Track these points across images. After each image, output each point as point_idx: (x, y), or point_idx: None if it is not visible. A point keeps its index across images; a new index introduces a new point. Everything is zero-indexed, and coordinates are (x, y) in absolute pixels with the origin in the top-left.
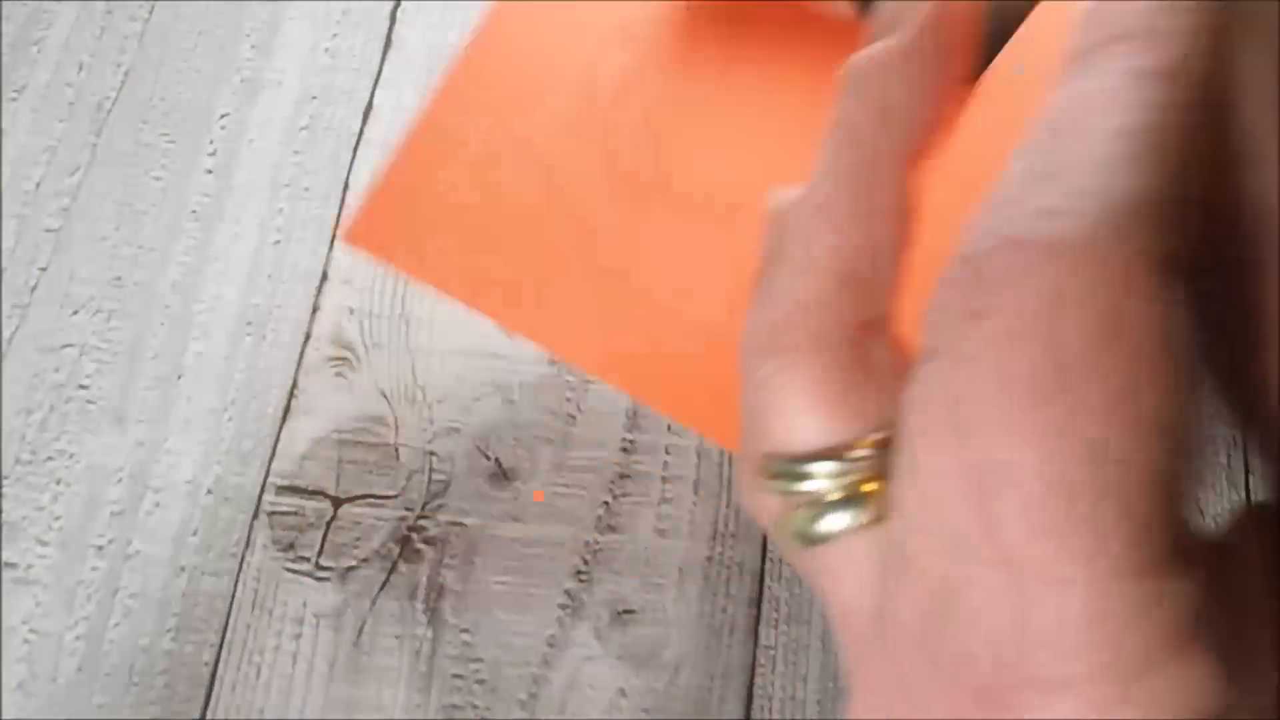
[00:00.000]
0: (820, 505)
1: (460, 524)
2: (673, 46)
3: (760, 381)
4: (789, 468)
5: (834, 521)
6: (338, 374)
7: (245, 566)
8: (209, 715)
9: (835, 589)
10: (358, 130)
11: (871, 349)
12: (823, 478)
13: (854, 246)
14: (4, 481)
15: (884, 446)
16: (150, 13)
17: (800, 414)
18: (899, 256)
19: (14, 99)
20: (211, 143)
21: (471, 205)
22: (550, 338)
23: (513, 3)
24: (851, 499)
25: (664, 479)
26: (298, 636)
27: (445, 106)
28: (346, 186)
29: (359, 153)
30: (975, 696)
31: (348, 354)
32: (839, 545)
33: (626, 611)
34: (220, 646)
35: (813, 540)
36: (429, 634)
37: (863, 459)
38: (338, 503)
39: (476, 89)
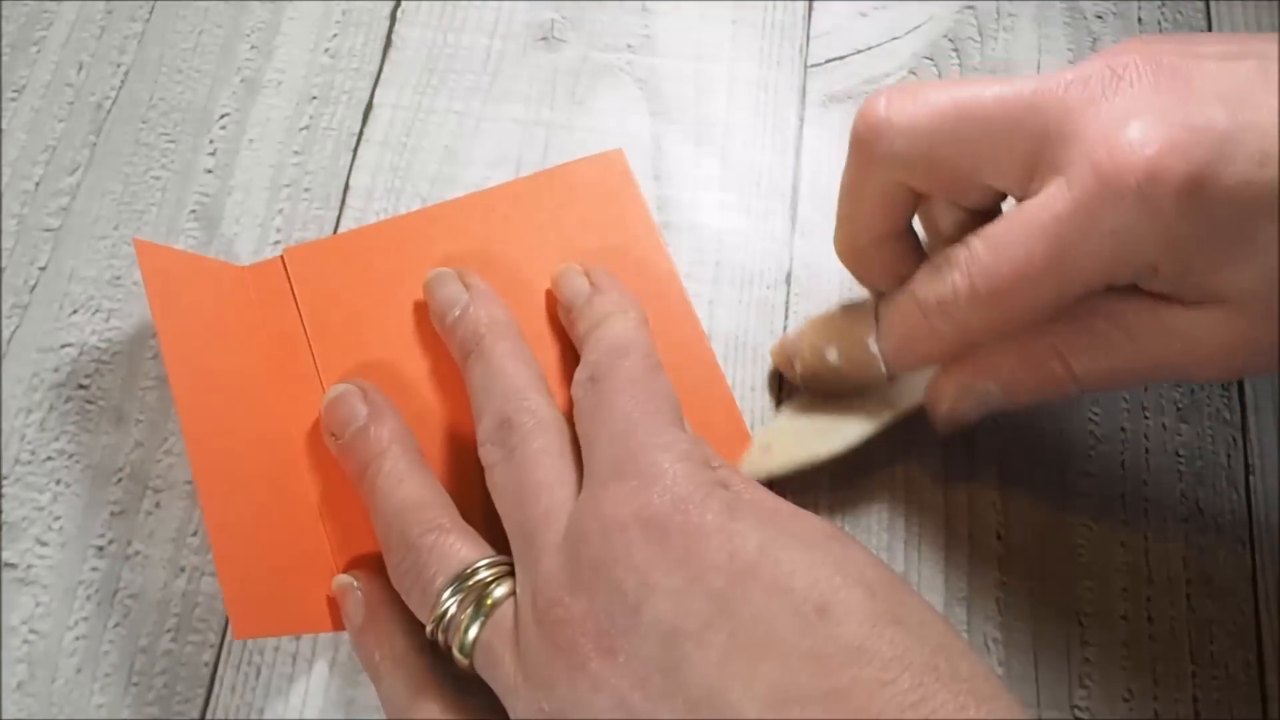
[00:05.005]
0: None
1: None
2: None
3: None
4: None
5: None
6: None
7: None
8: (209, 715)
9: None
10: (358, 130)
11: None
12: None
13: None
14: (4, 481)
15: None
16: (150, 13)
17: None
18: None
19: (14, 99)
20: (211, 143)
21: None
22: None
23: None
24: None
25: None
26: (298, 637)
27: (208, 480)
28: (347, 187)
29: (359, 153)
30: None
31: None
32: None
33: None
34: (220, 646)
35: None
36: None
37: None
38: None
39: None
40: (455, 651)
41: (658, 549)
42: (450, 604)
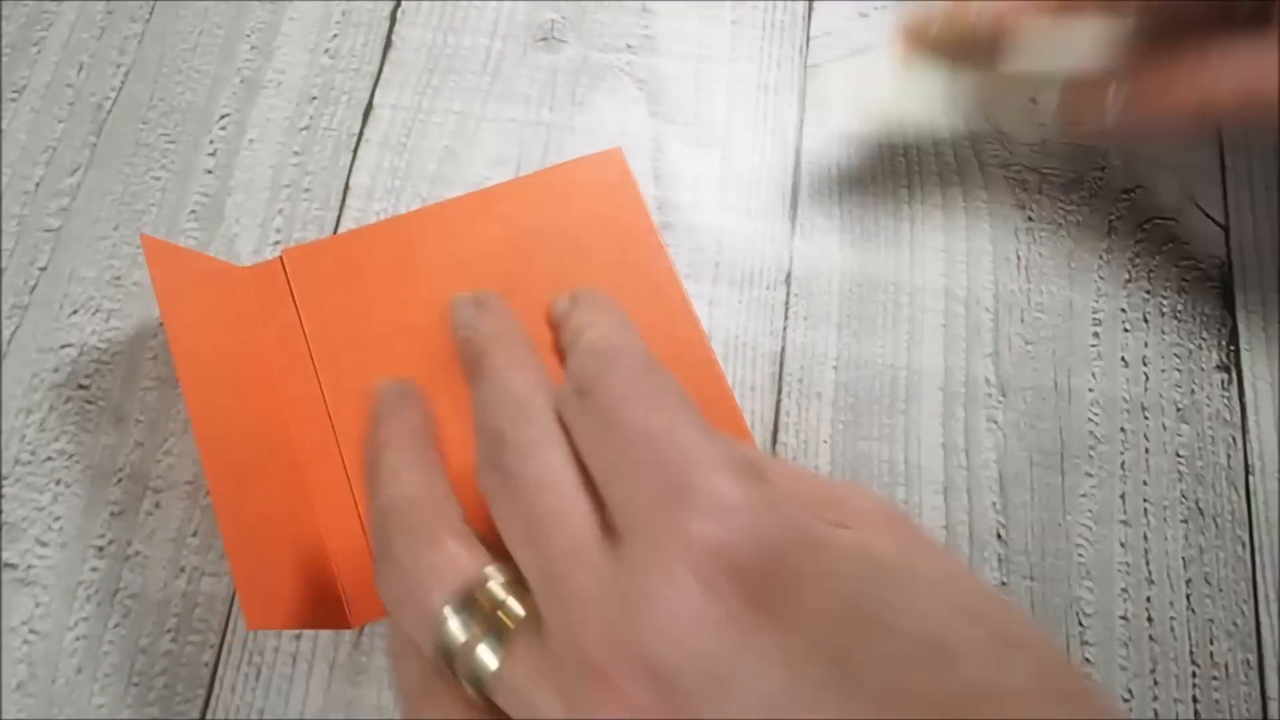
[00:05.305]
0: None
1: None
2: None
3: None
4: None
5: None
6: None
7: None
8: (209, 715)
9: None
10: (358, 130)
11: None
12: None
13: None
14: (4, 481)
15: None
16: (150, 13)
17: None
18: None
19: (14, 99)
20: (211, 143)
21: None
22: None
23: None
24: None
25: None
26: (298, 637)
27: (220, 485)
28: (347, 187)
29: (359, 153)
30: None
31: None
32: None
33: None
34: (220, 646)
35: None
36: None
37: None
38: None
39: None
40: (466, 684)
41: (742, 603)
42: (454, 626)
